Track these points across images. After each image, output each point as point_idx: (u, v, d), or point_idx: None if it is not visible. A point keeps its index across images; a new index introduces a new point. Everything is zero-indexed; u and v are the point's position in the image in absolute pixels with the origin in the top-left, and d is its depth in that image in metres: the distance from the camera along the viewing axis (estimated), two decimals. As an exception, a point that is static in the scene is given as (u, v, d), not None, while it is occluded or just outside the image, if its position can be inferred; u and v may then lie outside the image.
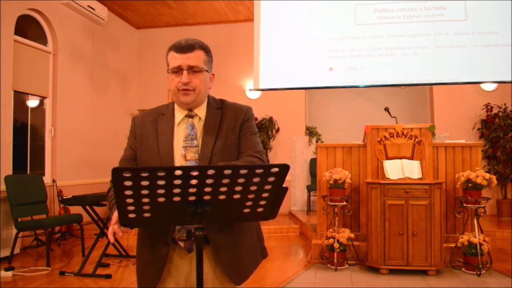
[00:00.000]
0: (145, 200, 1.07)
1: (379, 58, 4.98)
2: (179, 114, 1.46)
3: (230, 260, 1.40)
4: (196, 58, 1.38)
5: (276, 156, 7.36)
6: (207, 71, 1.43)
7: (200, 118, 1.45)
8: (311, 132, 7.47)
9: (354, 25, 5.05)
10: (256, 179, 1.07)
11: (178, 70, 1.38)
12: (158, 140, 1.42)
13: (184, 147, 1.40)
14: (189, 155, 1.39)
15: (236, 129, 1.45)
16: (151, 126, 1.46)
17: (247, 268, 1.46)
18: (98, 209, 4.58)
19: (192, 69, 1.38)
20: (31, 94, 5.56)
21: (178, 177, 1.03)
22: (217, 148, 1.40)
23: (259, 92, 7.41)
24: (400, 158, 4.16)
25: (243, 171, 1.05)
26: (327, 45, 5.10)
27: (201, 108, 1.46)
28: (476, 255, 3.78)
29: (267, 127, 7.18)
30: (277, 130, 7.36)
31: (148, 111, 1.52)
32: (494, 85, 6.76)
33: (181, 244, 1.40)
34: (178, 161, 1.39)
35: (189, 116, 1.45)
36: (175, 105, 1.48)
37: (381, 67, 4.98)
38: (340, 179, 4.06)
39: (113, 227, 1.23)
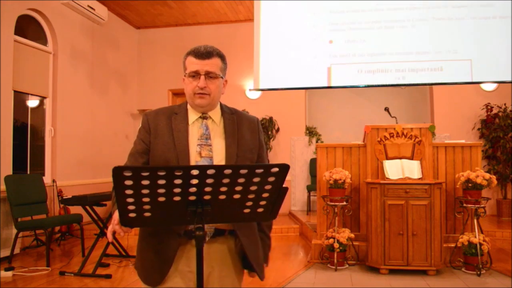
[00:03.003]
0: (146, 199, 1.07)
1: (378, 31, 5.02)
2: (192, 114, 1.51)
3: (255, 257, 1.48)
4: (213, 65, 1.45)
5: (276, 156, 7.36)
6: (222, 77, 1.50)
7: (213, 120, 1.51)
8: (311, 132, 7.47)
9: None
10: (256, 179, 1.08)
11: (195, 75, 1.45)
12: (173, 137, 1.46)
13: (199, 145, 1.46)
14: (204, 153, 1.45)
15: (254, 140, 1.56)
16: (165, 123, 1.49)
17: (262, 265, 1.56)
18: (98, 209, 4.58)
19: (209, 75, 1.45)
20: (31, 94, 5.56)
21: (178, 177, 1.03)
22: (240, 150, 1.48)
23: (259, 92, 7.41)
24: (400, 158, 4.16)
25: (243, 171, 1.05)
26: (328, 20, 5.16)
27: (215, 112, 1.53)
28: (476, 255, 3.78)
29: (267, 127, 7.18)
30: (277, 130, 7.36)
31: (160, 109, 1.56)
32: (494, 85, 6.76)
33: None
34: (194, 157, 1.44)
35: (203, 117, 1.50)
36: (188, 106, 1.53)
37: (380, 40, 5.03)
38: (340, 179, 4.06)
39: (114, 227, 1.23)
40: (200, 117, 1.50)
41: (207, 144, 1.46)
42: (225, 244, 1.45)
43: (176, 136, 1.45)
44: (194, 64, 1.44)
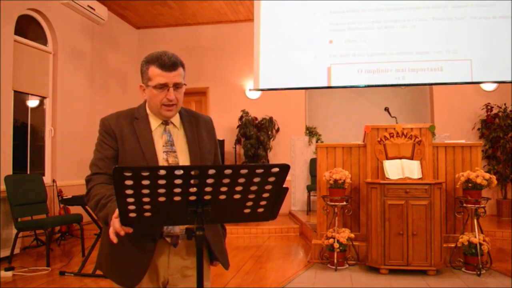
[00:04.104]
0: (146, 199, 1.07)
1: (378, 31, 5.04)
2: (154, 120, 1.51)
3: (220, 249, 1.54)
4: (179, 75, 1.46)
5: (276, 156, 7.37)
6: (185, 84, 1.51)
7: (174, 125, 1.53)
8: (311, 132, 7.47)
9: None
10: (256, 179, 1.08)
11: (163, 87, 1.44)
12: (140, 144, 1.46)
13: (165, 151, 1.47)
14: (171, 159, 1.47)
15: (211, 141, 1.61)
16: (128, 129, 1.48)
17: (226, 255, 1.61)
18: (98, 209, 4.58)
19: (176, 86, 1.46)
20: (31, 94, 5.56)
21: (178, 177, 1.03)
22: (202, 153, 1.51)
23: (259, 92, 7.41)
24: (400, 158, 4.16)
25: (243, 171, 1.05)
26: (328, 19, 5.17)
27: (175, 116, 1.54)
28: (476, 255, 3.78)
29: (267, 127, 7.17)
30: (277, 130, 7.35)
31: (119, 114, 1.54)
32: (494, 85, 6.76)
33: (168, 239, 1.43)
34: (161, 164, 1.45)
35: (165, 123, 1.52)
36: (148, 111, 1.52)
37: (380, 40, 5.05)
38: (340, 179, 4.06)
39: (114, 226, 1.22)
40: (162, 123, 1.51)
41: (172, 151, 1.48)
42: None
43: (142, 143, 1.46)
44: (161, 76, 1.43)
